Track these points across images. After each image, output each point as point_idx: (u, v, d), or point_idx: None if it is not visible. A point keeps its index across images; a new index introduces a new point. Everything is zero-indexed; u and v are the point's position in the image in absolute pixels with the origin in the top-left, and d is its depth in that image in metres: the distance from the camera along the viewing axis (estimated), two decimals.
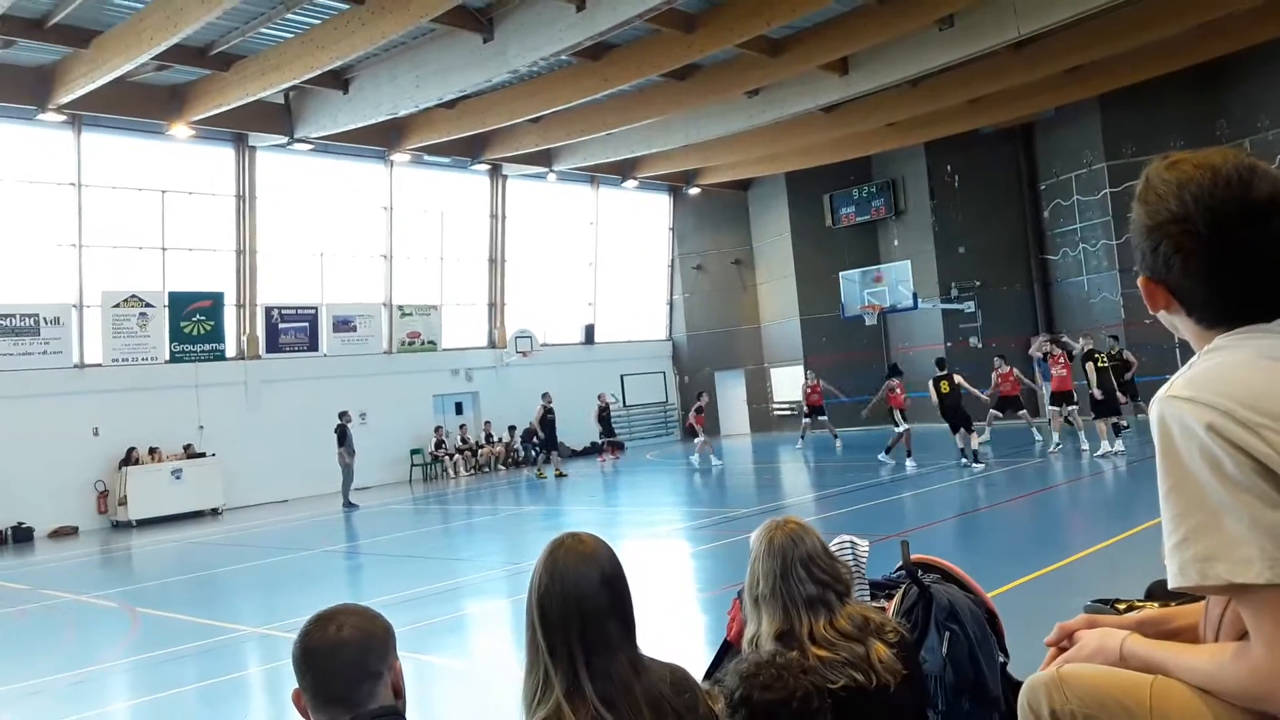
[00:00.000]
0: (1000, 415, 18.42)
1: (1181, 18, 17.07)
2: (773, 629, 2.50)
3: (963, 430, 15.57)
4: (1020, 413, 18.37)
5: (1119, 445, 15.12)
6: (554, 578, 1.96)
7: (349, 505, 18.37)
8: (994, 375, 17.83)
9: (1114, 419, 15.42)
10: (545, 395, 21.53)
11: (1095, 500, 12.51)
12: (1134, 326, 21.13)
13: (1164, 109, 21.34)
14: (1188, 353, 1.45)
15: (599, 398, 23.48)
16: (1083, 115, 22.45)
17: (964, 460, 15.46)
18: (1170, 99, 21.12)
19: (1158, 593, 2.92)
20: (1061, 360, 16.67)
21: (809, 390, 22.10)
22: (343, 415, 18.75)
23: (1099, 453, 15.11)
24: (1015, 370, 18.12)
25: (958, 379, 16.00)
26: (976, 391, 16.51)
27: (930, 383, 16.13)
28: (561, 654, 1.92)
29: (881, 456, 17.38)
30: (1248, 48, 19.01)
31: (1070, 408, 16.71)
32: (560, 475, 20.58)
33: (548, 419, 21.32)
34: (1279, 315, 1.35)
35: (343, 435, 18.63)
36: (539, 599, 1.95)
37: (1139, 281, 1.45)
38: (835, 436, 21.45)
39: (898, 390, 17.70)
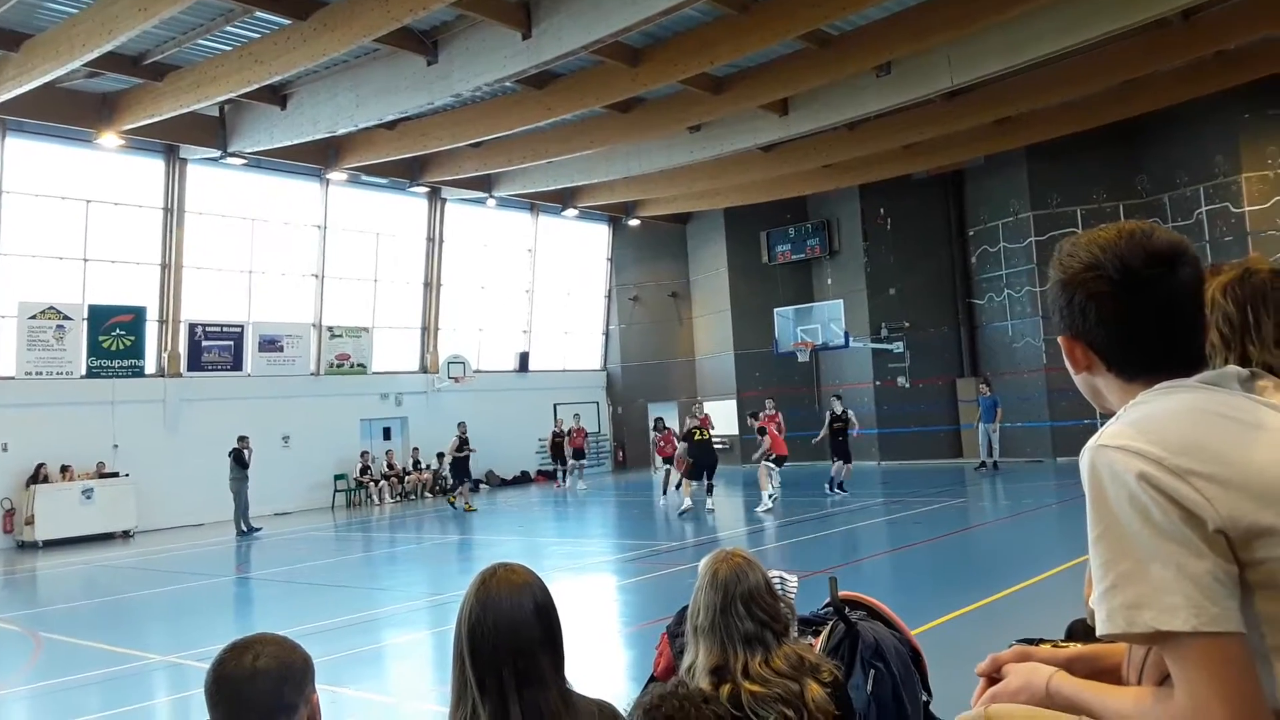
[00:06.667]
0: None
1: (1105, 76, 17.79)
2: (709, 662, 2.50)
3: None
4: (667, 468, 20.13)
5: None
6: (486, 608, 1.91)
7: (249, 530, 18.01)
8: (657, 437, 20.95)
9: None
10: (461, 425, 21.16)
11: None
12: (1054, 371, 21.76)
13: (1088, 163, 22.14)
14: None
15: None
16: (1011, 165, 23.17)
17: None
18: (1094, 154, 21.93)
19: (1078, 632, 2.98)
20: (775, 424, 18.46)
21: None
22: (241, 440, 18.64)
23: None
24: (674, 431, 20.63)
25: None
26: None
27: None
28: (492, 687, 1.86)
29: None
30: (1168, 107, 19.83)
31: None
32: (464, 507, 19.89)
33: (462, 451, 20.89)
34: (1196, 370, 1.40)
35: (239, 458, 18.33)
36: (469, 630, 1.90)
37: (1060, 341, 1.50)
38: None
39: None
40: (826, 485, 17.90)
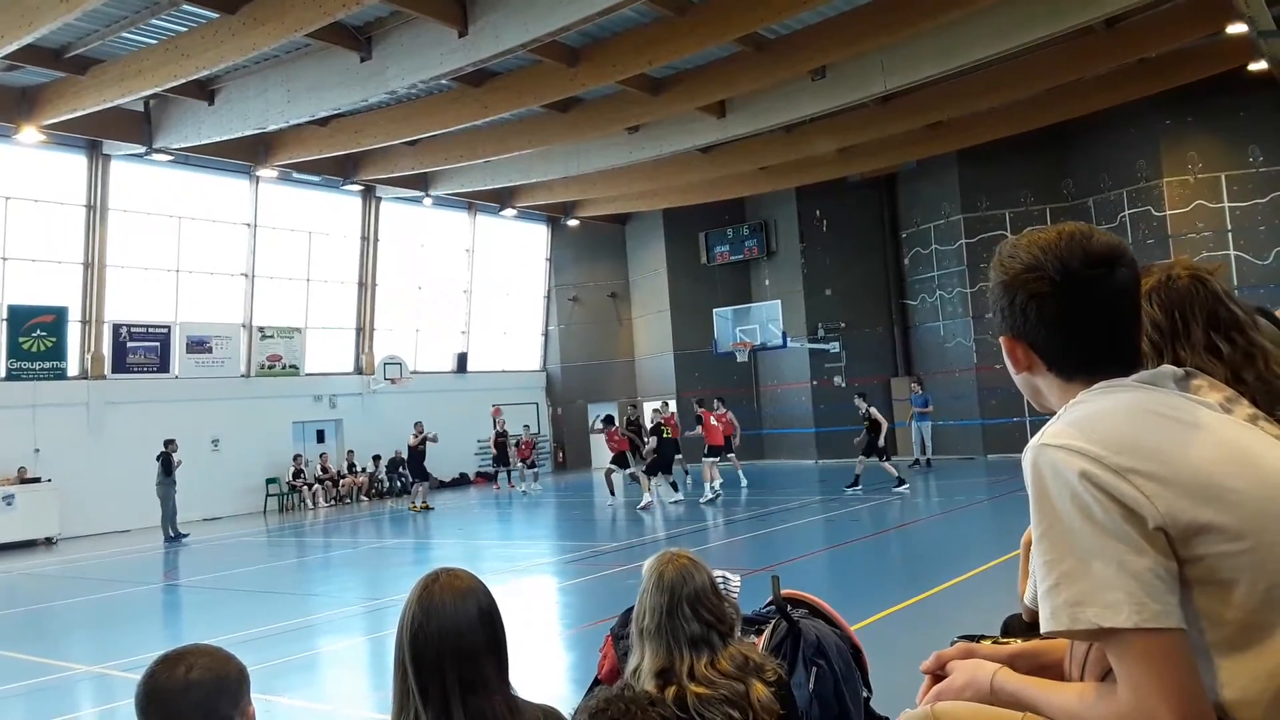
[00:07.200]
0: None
1: (1033, 82, 18.25)
2: (654, 665, 2.49)
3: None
4: (629, 471, 19.25)
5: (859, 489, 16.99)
6: (429, 614, 1.88)
7: (177, 536, 17.54)
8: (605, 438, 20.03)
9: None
10: (417, 424, 20.99)
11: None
12: (985, 370, 22.25)
13: (1016, 167, 22.66)
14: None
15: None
16: (942, 169, 23.61)
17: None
18: (1022, 158, 22.45)
19: (1015, 627, 3.03)
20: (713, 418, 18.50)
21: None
22: (169, 444, 18.13)
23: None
24: (620, 430, 19.45)
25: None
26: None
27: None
28: (435, 695, 1.83)
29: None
30: (1093, 113, 20.40)
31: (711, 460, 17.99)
32: (426, 508, 19.79)
33: (419, 449, 20.65)
34: (1133, 369, 1.42)
35: (166, 463, 17.87)
36: (412, 636, 1.87)
37: (1002, 342, 1.51)
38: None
39: None
40: (896, 481, 16.82)
